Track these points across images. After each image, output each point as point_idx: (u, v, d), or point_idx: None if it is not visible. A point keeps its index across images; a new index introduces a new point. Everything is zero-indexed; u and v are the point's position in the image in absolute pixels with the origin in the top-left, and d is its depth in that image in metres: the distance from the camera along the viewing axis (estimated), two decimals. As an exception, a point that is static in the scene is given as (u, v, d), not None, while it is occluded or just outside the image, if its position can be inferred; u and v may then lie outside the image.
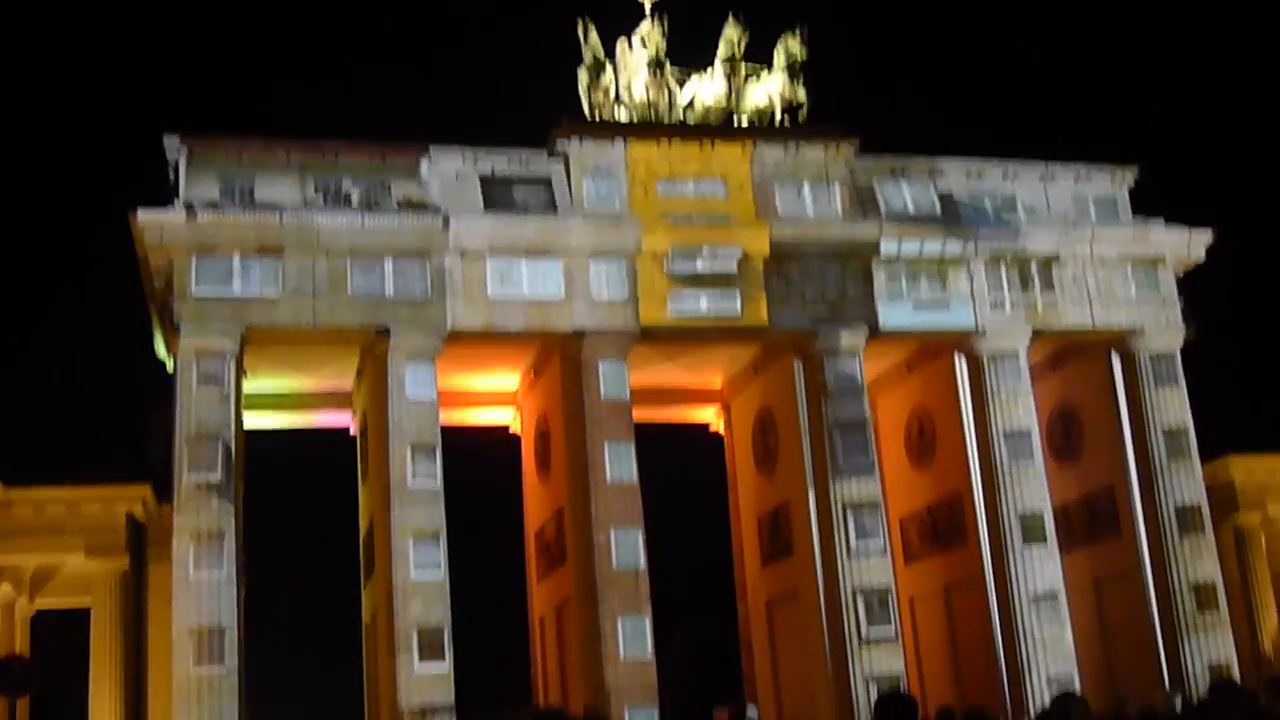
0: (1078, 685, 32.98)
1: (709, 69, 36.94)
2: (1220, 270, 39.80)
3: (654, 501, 34.02)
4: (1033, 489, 35.52)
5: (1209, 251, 37.96)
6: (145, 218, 31.47)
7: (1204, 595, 35.62)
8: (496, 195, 34.23)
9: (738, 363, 39.57)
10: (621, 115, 35.93)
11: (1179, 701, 19.14)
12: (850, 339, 35.28)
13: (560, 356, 34.81)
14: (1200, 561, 35.90)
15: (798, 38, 36.82)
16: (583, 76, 35.99)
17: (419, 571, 31.49)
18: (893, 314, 35.80)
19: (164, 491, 35.29)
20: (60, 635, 44.84)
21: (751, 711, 37.37)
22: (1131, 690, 32.36)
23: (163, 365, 35.19)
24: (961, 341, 36.71)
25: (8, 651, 35.72)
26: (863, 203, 36.47)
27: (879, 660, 33.28)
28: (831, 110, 37.78)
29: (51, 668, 34.96)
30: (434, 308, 32.93)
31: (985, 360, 36.23)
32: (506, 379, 39.06)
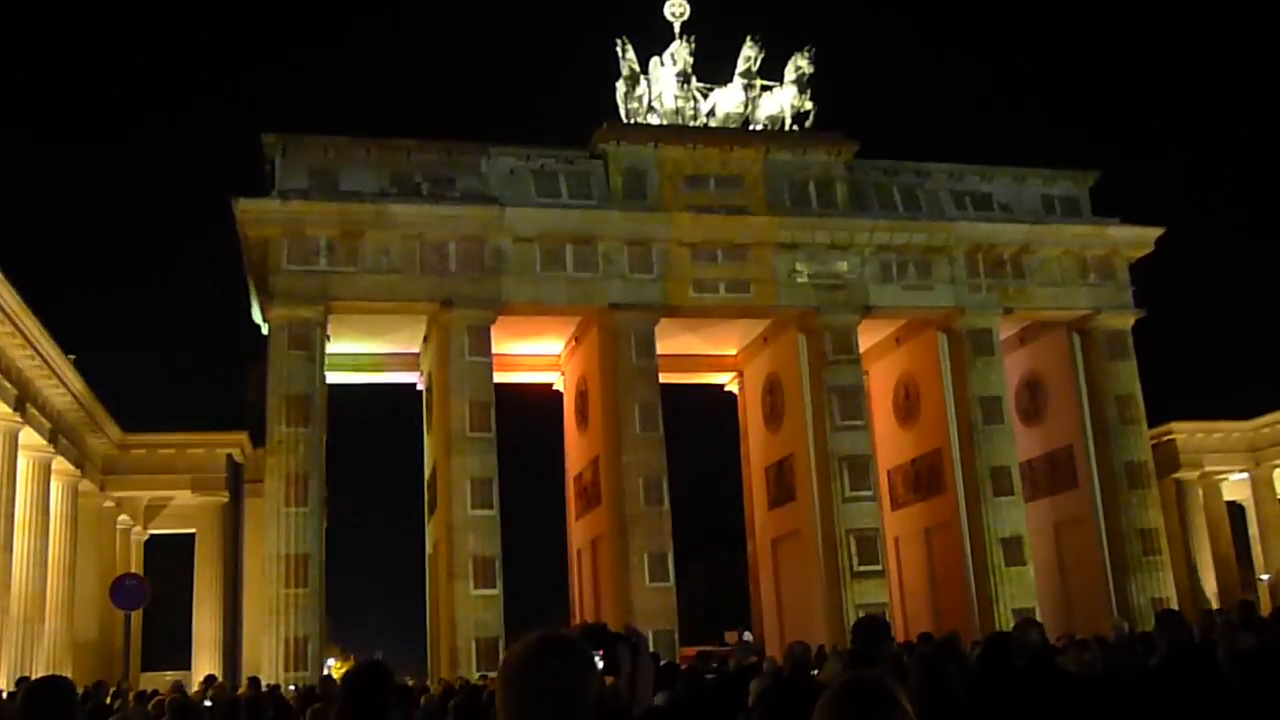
0: (1039, 614, 32.93)
1: (729, 82, 36.82)
2: (1169, 260, 39.63)
3: (676, 452, 34.06)
4: (1002, 446, 35.46)
5: (1158, 243, 37.72)
6: (245, 204, 31.60)
7: (1148, 539, 35.54)
8: (545, 188, 34.20)
9: (750, 334, 39.47)
10: (653, 121, 35.82)
11: (1126, 627, 19.05)
12: (847, 316, 35.23)
13: (598, 327, 34.78)
14: (1145, 510, 35.80)
15: (806, 55, 36.73)
16: (620, 87, 35.90)
17: (475, 509, 31.61)
18: (884, 295, 35.72)
19: (258, 437, 35.55)
20: (169, 557, 45.27)
21: (746, 635, 37.57)
22: (1083, 618, 32.38)
23: (258, 329, 35.35)
24: (943, 319, 36.61)
25: (125, 570, 36.04)
26: (860, 199, 36.33)
27: (867, 591, 33.32)
28: (835, 118, 37.69)
29: (161, 584, 35.20)
30: (491, 283, 32.97)
31: (964, 335, 36.13)
32: (552, 345, 39.07)
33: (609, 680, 3.82)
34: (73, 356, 31.94)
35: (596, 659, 3.40)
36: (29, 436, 30.38)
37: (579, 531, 39.62)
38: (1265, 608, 37.16)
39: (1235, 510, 50.08)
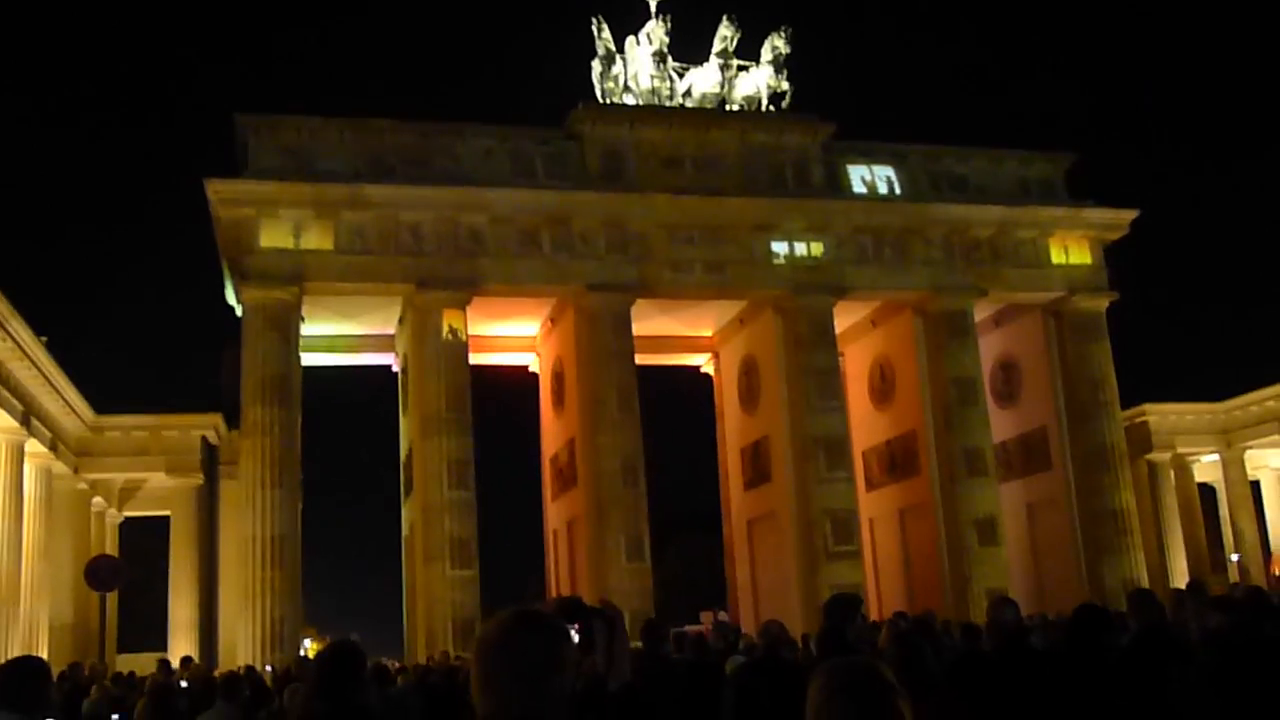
0: (1011, 595, 33.08)
1: (705, 62, 36.78)
2: (1144, 243, 39.84)
3: (652, 433, 34.14)
4: (977, 428, 35.62)
5: (1133, 226, 37.90)
6: (218, 185, 31.47)
7: (1120, 520, 35.78)
8: (521, 169, 34.13)
9: (726, 316, 39.48)
10: (629, 101, 35.76)
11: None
12: (823, 298, 35.30)
13: (574, 308, 34.75)
14: (1118, 492, 36.03)
15: (783, 35, 36.71)
16: (596, 67, 35.82)
17: (451, 491, 31.61)
18: (860, 277, 35.80)
19: (233, 419, 35.42)
20: (144, 539, 45.12)
21: (722, 615, 37.73)
22: (1056, 599, 32.56)
23: (232, 309, 35.21)
24: (919, 301, 36.70)
25: (100, 552, 35.87)
26: (837, 180, 36.38)
27: (842, 572, 33.44)
28: (811, 98, 37.74)
29: (137, 566, 35.06)
30: (466, 264, 32.90)
31: (939, 317, 36.25)
32: (527, 326, 39.02)
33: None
34: (44, 338, 31.72)
35: (572, 633, 3.40)
36: (1, 419, 30.19)
37: (555, 513, 39.64)
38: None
39: (1206, 491, 50.51)
